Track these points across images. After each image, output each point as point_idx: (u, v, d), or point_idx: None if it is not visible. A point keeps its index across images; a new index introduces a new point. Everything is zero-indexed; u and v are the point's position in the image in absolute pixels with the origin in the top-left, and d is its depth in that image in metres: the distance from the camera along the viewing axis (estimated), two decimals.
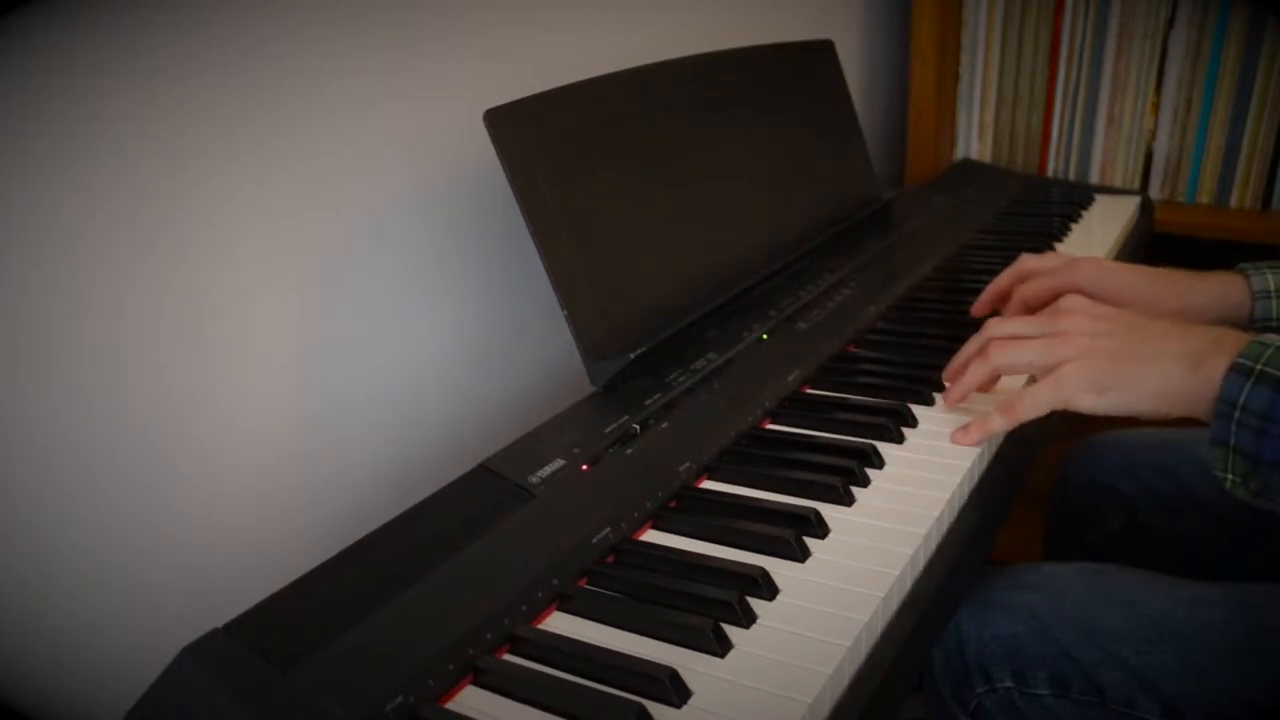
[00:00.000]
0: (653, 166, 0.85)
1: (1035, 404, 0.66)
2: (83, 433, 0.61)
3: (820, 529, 0.60)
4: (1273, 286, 0.77)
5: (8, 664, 0.59)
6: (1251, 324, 0.78)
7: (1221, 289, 0.79)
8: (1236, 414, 0.58)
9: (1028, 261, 0.84)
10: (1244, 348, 0.59)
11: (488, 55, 0.86)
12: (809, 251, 1.00)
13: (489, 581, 0.54)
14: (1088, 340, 0.66)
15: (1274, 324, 0.78)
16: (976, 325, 0.87)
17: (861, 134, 1.19)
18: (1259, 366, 0.58)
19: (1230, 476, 0.59)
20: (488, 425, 0.91)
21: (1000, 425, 0.67)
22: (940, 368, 0.78)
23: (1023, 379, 0.77)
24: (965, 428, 0.69)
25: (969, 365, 0.71)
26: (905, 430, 0.71)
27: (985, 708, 0.71)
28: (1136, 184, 1.49)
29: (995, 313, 0.87)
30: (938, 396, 0.76)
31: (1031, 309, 0.82)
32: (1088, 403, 0.64)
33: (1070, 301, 0.71)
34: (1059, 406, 0.66)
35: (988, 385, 0.74)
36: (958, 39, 1.55)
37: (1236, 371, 0.58)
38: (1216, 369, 0.59)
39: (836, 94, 1.16)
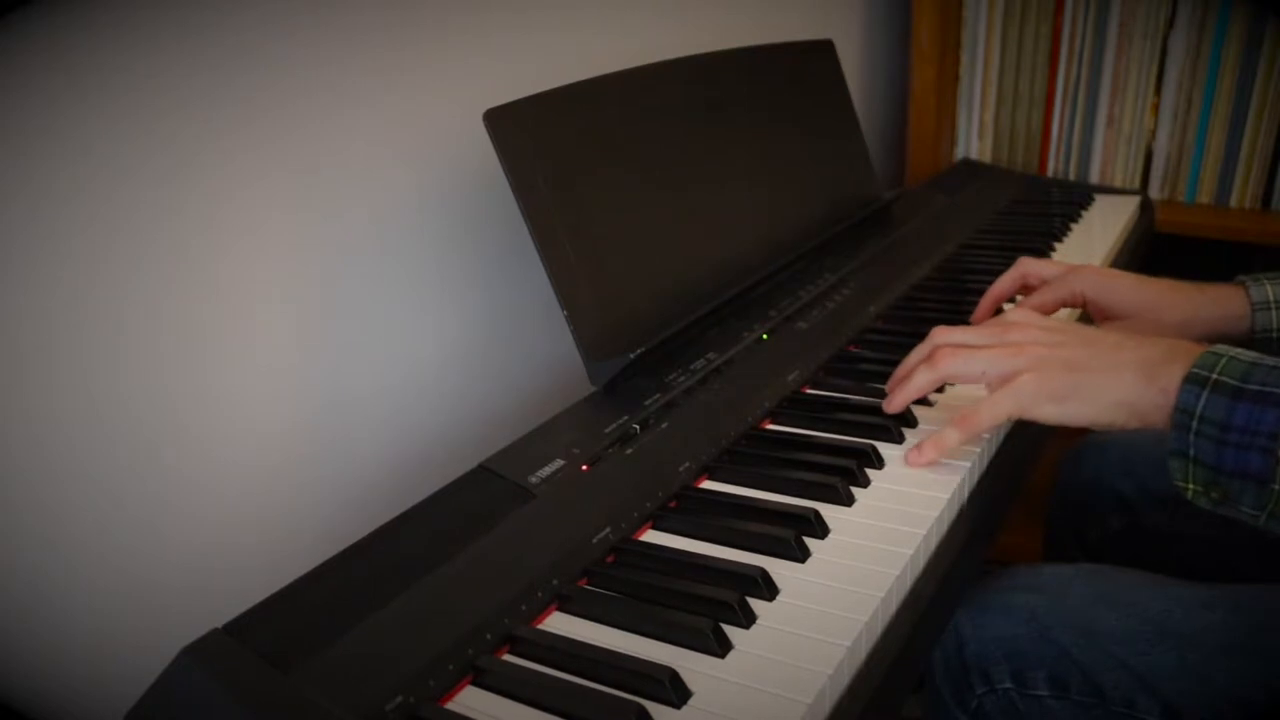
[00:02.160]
0: (652, 166, 0.85)
1: (993, 415, 0.64)
2: (83, 432, 0.61)
3: (820, 529, 0.60)
4: (1271, 297, 0.77)
5: (8, 664, 0.59)
6: (1252, 335, 0.78)
7: (1222, 300, 0.79)
8: (1194, 424, 0.57)
9: (1027, 264, 0.84)
10: (1198, 357, 0.58)
11: (488, 55, 0.86)
12: (809, 251, 1.00)
13: (489, 581, 0.54)
14: (1043, 350, 0.64)
15: (1274, 334, 0.77)
16: None
17: (861, 134, 1.19)
18: (1214, 375, 0.57)
19: (1191, 486, 0.58)
20: (488, 425, 0.91)
21: (956, 439, 0.65)
22: None
23: (968, 391, 0.75)
24: (918, 447, 0.66)
25: (916, 370, 0.69)
26: (905, 430, 0.71)
27: (985, 709, 0.71)
28: (1136, 184, 1.49)
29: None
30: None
31: None
32: (1046, 412, 0.63)
33: (1017, 313, 0.70)
34: (1016, 416, 0.64)
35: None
36: (958, 39, 1.55)
37: (1191, 381, 0.58)
38: (1172, 379, 0.59)
39: (836, 94, 1.16)
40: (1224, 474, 0.57)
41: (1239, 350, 0.58)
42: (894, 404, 0.71)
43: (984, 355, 0.66)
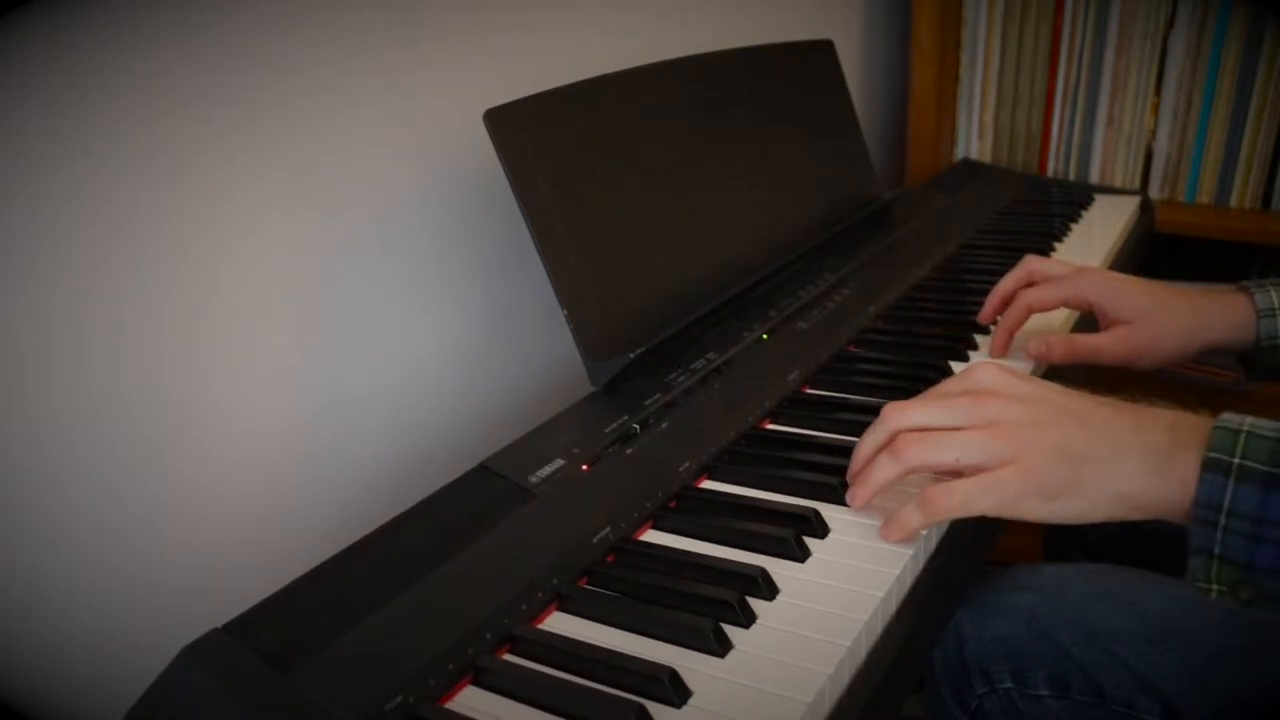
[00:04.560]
0: (652, 166, 0.85)
1: (966, 504, 0.56)
2: (83, 432, 0.61)
3: (820, 529, 0.60)
4: (1277, 303, 0.76)
5: (8, 664, 0.59)
6: (1257, 341, 0.77)
7: (1228, 307, 0.77)
8: (1222, 519, 0.50)
9: (1033, 263, 0.83)
10: (1210, 438, 0.52)
11: (488, 55, 0.86)
12: (809, 251, 1.00)
13: (489, 581, 0.54)
14: (1028, 433, 0.55)
15: None
16: (977, 327, 0.87)
17: (861, 134, 1.19)
18: (1236, 460, 0.50)
19: (1216, 587, 0.52)
20: (488, 425, 0.91)
21: (918, 522, 0.57)
22: (940, 368, 0.78)
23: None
24: (886, 523, 0.58)
25: (876, 461, 0.59)
26: None
27: (985, 708, 0.71)
28: (1136, 184, 1.49)
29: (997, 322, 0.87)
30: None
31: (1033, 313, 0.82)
32: (1032, 511, 0.55)
33: (986, 377, 0.60)
34: (996, 514, 0.56)
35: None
36: (958, 39, 1.55)
37: (1212, 469, 0.51)
38: (1188, 468, 0.51)
39: (836, 94, 1.16)
40: (1259, 572, 0.50)
41: (1254, 422, 0.52)
42: (859, 500, 0.60)
43: (958, 439, 0.57)
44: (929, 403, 0.60)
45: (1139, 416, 0.56)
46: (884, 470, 0.59)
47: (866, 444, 0.61)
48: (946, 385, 0.62)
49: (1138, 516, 0.54)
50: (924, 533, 0.59)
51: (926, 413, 0.59)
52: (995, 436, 0.56)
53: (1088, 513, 0.55)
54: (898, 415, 0.60)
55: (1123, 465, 0.54)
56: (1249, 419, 0.52)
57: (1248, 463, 0.50)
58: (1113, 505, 0.54)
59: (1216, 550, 0.51)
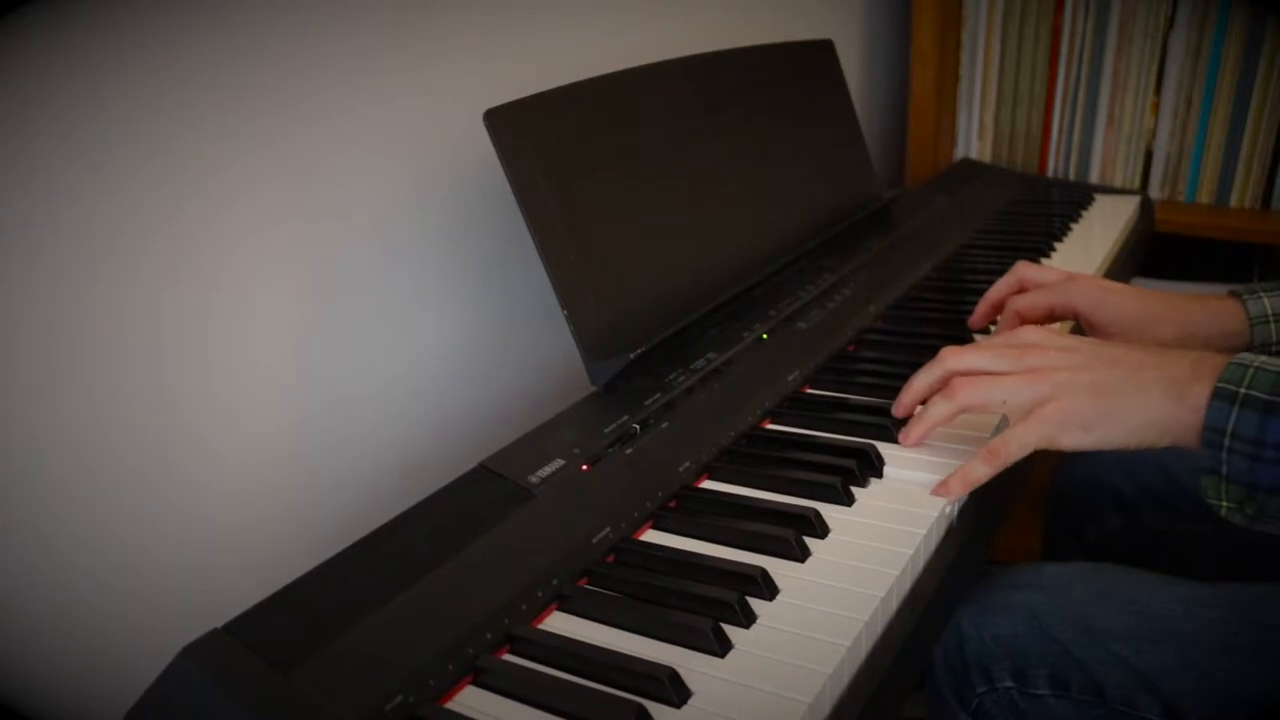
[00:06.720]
0: (652, 166, 0.85)
1: (1020, 446, 0.63)
2: (83, 432, 0.61)
3: (820, 529, 0.60)
4: (1269, 311, 0.76)
5: (8, 664, 0.59)
6: (1250, 350, 0.77)
7: (1219, 314, 0.77)
8: (1226, 441, 0.57)
9: (1024, 269, 0.83)
10: (1223, 371, 0.58)
11: (488, 55, 0.86)
12: (809, 251, 1.00)
13: (489, 581, 0.54)
14: (1065, 375, 0.63)
15: (1274, 348, 0.76)
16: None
17: (861, 134, 1.19)
18: (1242, 390, 0.56)
19: (1225, 504, 0.58)
20: (488, 425, 0.91)
21: (984, 473, 0.63)
22: None
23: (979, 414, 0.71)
24: (945, 482, 0.64)
25: (931, 402, 0.67)
26: None
27: (986, 707, 0.71)
28: (1136, 184, 1.49)
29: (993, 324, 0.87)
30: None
31: (1025, 322, 0.81)
32: (1074, 441, 0.62)
33: (1031, 333, 0.68)
34: (1043, 446, 0.63)
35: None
36: (958, 39, 1.55)
37: (1220, 397, 0.57)
38: (1200, 396, 0.58)
39: (836, 94, 1.16)
40: (1260, 491, 0.56)
41: (1265, 359, 0.57)
42: (912, 438, 0.68)
43: (1005, 383, 0.64)
44: (981, 350, 0.67)
45: (1165, 354, 0.63)
46: (939, 410, 0.66)
47: (920, 381, 0.69)
48: (994, 339, 0.70)
49: (1165, 443, 0.61)
50: (924, 532, 0.59)
51: (979, 358, 0.67)
52: (1037, 380, 0.63)
53: (1121, 440, 0.62)
54: (954, 358, 0.67)
55: (1147, 396, 0.60)
56: (1262, 358, 0.58)
57: (1252, 392, 0.56)
58: (1141, 433, 0.61)
59: (1223, 470, 0.57)
